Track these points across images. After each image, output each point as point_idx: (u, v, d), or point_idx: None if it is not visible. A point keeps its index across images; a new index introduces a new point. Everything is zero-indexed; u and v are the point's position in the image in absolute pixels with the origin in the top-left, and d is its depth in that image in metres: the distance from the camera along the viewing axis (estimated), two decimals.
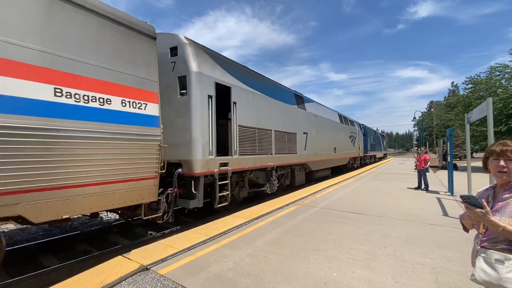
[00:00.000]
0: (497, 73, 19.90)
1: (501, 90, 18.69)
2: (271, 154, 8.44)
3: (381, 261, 3.45)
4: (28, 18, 3.13)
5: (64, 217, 3.39)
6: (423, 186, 9.39)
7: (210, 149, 5.92)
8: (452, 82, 74.53)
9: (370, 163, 27.06)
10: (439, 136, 41.16)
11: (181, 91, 5.73)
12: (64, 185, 3.36)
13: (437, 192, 8.81)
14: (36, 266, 4.42)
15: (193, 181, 5.60)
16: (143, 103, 4.36)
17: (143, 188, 4.36)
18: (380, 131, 37.91)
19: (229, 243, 4.16)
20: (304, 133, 11.08)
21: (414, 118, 37.66)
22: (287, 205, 6.83)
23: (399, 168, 20.14)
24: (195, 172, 5.56)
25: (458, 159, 30.91)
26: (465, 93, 22.64)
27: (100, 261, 3.62)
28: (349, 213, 5.97)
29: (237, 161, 6.81)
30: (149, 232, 6.08)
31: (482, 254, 1.47)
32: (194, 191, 5.58)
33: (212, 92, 6.05)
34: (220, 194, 6.16)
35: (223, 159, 6.38)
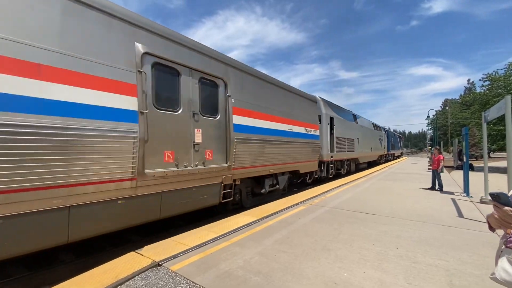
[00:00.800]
0: None
1: None
2: (345, 151, 15.09)
3: (393, 262, 3.40)
4: None
5: None
6: (437, 187, 9.17)
7: (328, 148, 12.50)
8: (468, 80, 72.19)
9: (391, 160, 33.14)
10: (454, 136, 40.00)
11: (318, 121, 11.73)
12: None
13: (451, 193, 8.58)
14: (53, 261, 4.58)
15: (322, 164, 12.08)
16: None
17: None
18: (392, 130, 38.34)
19: (239, 241, 4.19)
20: (357, 138, 17.45)
21: (428, 116, 36.71)
22: (297, 204, 6.81)
23: (412, 168, 19.70)
24: (324, 159, 12.10)
25: (474, 159, 29.96)
26: (482, 91, 21.88)
27: (113, 257, 3.72)
28: (360, 213, 5.90)
29: (336, 155, 13.55)
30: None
31: (506, 255, 1.43)
32: (323, 169, 12.14)
33: (329, 121, 12.84)
34: (331, 171, 13.10)
35: (331, 154, 12.95)
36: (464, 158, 9.19)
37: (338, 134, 13.72)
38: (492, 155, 29.74)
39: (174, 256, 3.61)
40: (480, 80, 22.13)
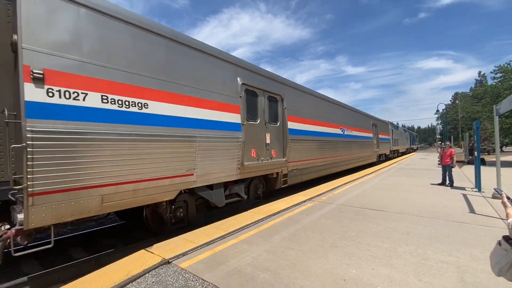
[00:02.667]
0: None
1: None
2: (397, 146, 29.09)
3: (402, 258, 3.36)
4: None
5: None
6: (447, 182, 9.00)
7: (392, 144, 25.79)
8: (479, 72, 69.74)
9: (410, 152, 41.71)
10: (465, 130, 39.13)
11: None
12: None
13: (463, 188, 8.41)
14: (67, 259, 4.71)
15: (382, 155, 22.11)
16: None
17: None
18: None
19: (246, 239, 4.22)
20: (396, 138, 27.70)
21: (437, 111, 35.96)
22: (304, 201, 6.80)
23: (421, 163, 19.39)
24: (388, 150, 24.20)
25: (486, 154, 29.26)
26: (494, 83, 21.32)
27: (124, 254, 3.80)
28: (369, 209, 5.85)
29: (394, 147, 26.77)
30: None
31: None
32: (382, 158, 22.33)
33: (392, 130, 25.98)
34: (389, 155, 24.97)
35: (393, 147, 26.51)
36: (476, 152, 8.99)
37: (396, 137, 27.77)
38: (504, 149, 29.00)
39: (183, 254, 3.66)
40: (491, 72, 21.58)
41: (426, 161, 21.10)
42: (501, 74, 20.33)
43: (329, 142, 11.49)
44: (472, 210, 5.67)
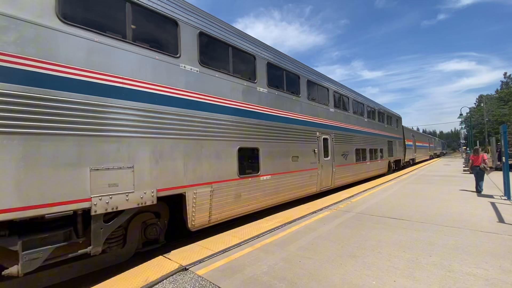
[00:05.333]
0: None
1: None
2: (415, 153, 28.38)
3: (426, 270, 3.22)
4: None
5: None
6: (479, 189, 8.59)
7: (414, 151, 26.39)
8: (505, 73, 66.22)
9: (436, 157, 44.89)
10: (491, 134, 37.10)
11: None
12: None
13: (491, 196, 7.94)
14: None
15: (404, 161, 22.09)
16: None
17: None
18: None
19: (263, 247, 4.20)
20: (411, 144, 26.03)
21: (461, 114, 34.37)
22: (321, 209, 6.68)
23: (445, 170, 18.51)
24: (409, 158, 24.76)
25: None
26: None
27: (143, 260, 3.89)
28: (389, 218, 5.66)
29: (415, 154, 27.54)
30: None
31: None
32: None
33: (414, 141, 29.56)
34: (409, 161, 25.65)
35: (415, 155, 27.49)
36: (504, 158, 8.49)
37: (435, 144, 41.44)
38: None
39: (200, 261, 3.70)
40: None
41: (450, 168, 20.13)
42: None
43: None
44: (501, 220, 5.33)
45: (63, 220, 3.45)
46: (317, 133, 8.81)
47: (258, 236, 4.70)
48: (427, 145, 36.13)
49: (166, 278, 3.24)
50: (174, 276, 3.31)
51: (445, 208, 6.48)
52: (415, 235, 4.50)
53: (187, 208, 4.60)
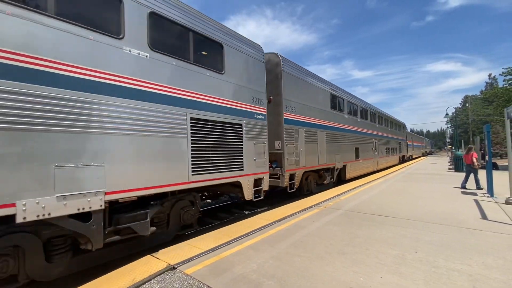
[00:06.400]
0: None
1: None
2: (426, 148, 54.39)
3: (412, 266, 3.28)
4: None
5: None
6: (477, 185, 9.06)
7: (407, 150, 31.40)
8: (490, 75, 68.52)
9: (428, 154, 54.38)
10: (476, 133, 38.25)
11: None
12: None
13: (474, 194, 8.19)
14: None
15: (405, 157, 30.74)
16: None
17: None
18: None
19: (252, 245, 4.18)
20: (410, 144, 34.30)
21: (447, 114, 35.25)
22: (311, 207, 6.72)
23: (431, 168, 19.00)
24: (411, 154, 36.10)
25: (499, 158, 28.51)
26: (505, 86, 20.86)
27: (130, 260, 3.81)
28: (377, 215, 5.75)
29: (413, 152, 37.45)
30: None
31: None
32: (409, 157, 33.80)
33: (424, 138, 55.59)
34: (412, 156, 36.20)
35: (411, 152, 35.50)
36: (487, 156, 8.78)
37: (425, 143, 52.67)
38: None
39: (189, 260, 3.65)
40: (500, 74, 21.12)
41: (436, 166, 20.67)
42: (510, 76, 19.87)
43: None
44: (484, 216, 5.50)
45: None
46: (373, 139, 16.49)
47: (247, 234, 4.68)
48: (421, 144, 47.66)
49: (153, 278, 3.18)
50: (162, 275, 3.25)
51: (431, 205, 6.63)
52: (402, 232, 4.59)
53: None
